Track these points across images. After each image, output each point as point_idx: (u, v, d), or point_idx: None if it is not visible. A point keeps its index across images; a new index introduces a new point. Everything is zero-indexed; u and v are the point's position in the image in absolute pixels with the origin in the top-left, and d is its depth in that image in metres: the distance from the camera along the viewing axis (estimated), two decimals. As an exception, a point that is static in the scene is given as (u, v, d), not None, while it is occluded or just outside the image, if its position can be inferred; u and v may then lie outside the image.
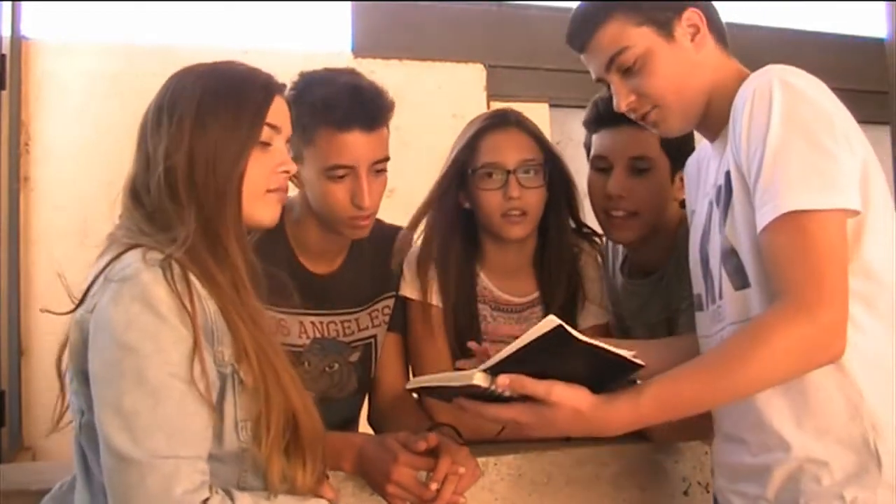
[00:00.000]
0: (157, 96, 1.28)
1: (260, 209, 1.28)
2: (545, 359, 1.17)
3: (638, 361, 1.19)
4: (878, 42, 3.87)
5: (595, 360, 1.18)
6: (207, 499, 1.13)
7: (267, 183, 1.28)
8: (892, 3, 3.69)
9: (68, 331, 1.22)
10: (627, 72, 1.39)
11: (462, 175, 1.81)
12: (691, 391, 1.22)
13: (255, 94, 1.26)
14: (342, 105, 1.60)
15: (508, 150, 1.78)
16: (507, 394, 1.20)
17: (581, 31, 1.42)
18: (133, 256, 1.16)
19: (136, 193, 1.25)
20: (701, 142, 1.52)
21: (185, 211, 1.20)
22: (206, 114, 1.22)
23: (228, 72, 1.28)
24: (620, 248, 2.02)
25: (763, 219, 1.21)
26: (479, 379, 1.19)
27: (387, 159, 1.67)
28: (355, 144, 1.61)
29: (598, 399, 1.21)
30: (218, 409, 1.18)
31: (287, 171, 1.30)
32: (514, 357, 1.16)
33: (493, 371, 1.19)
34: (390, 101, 1.67)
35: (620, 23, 1.37)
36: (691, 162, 1.57)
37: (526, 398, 1.20)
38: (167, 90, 1.27)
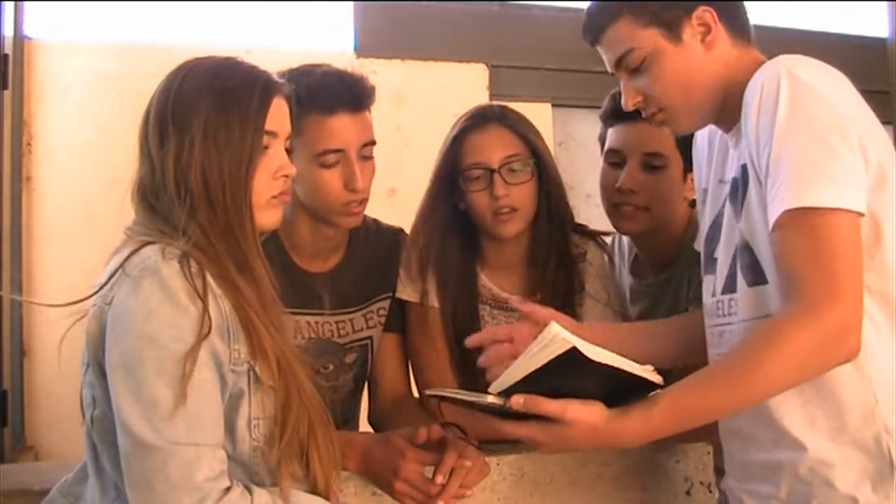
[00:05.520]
0: (157, 99, 1.27)
1: (262, 216, 1.28)
2: (560, 376, 1.16)
3: (656, 380, 1.18)
4: (881, 42, 3.86)
5: (611, 377, 1.17)
6: (228, 488, 1.13)
7: (269, 191, 1.28)
8: (894, 2, 3.69)
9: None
10: (634, 72, 1.37)
11: (452, 178, 1.81)
12: (705, 401, 1.20)
13: (253, 104, 1.25)
14: (327, 90, 1.61)
15: (490, 150, 1.77)
16: (522, 410, 1.19)
17: (592, 27, 1.41)
18: (152, 251, 1.18)
19: (146, 198, 1.26)
20: None
21: (204, 222, 1.22)
22: (212, 133, 1.22)
23: (229, 80, 1.26)
24: (627, 247, 2.01)
25: (771, 217, 1.19)
26: (493, 399, 1.19)
27: (373, 143, 1.69)
28: (343, 127, 1.63)
29: (612, 413, 1.20)
30: (233, 407, 1.19)
31: (287, 175, 1.30)
32: (529, 378, 1.16)
33: (508, 391, 1.19)
34: (371, 86, 1.69)
35: (628, 23, 1.35)
36: (702, 137, 1.52)
37: (541, 416, 1.19)
38: (168, 95, 1.25)
